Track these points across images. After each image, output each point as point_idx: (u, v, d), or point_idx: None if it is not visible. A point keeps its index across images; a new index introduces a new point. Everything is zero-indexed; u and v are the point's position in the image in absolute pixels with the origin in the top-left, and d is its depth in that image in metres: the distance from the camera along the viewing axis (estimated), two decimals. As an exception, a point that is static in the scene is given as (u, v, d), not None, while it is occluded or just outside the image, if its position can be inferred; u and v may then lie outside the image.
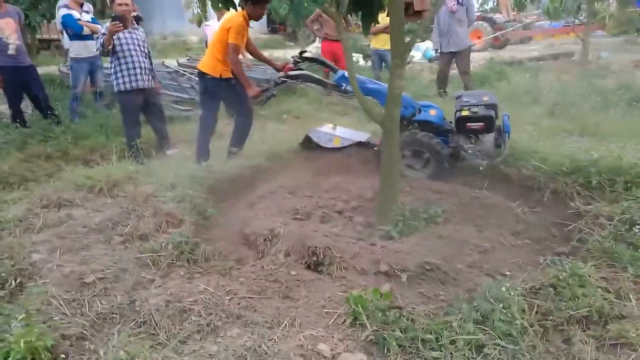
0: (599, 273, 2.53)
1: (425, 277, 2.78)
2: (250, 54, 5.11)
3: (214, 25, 6.99)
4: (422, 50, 13.26)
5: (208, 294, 2.43)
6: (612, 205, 3.18)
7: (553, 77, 7.91)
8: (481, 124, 4.03)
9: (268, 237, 3.15)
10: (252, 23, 4.66)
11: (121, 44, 5.27)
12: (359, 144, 4.63)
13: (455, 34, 7.41)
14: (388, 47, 7.96)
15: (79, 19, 6.43)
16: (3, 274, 2.59)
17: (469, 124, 4.08)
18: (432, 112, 4.33)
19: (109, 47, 5.13)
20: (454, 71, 7.98)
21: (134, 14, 10.56)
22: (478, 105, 4.09)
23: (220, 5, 3.60)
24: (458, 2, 7.25)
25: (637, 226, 2.84)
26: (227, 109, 5.65)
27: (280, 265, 2.84)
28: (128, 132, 5.50)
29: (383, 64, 8.29)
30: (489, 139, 4.13)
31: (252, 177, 4.39)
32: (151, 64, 5.60)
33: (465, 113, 4.06)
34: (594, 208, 3.23)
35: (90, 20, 6.59)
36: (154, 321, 2.21)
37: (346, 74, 4.08)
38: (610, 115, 5.75)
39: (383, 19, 7.82)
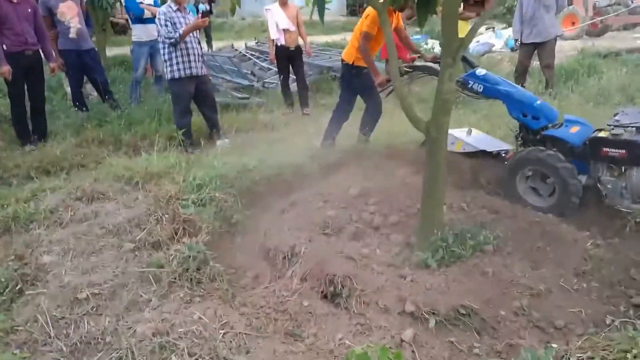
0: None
1: (458, 323, 2.35)
2: (403, 44, 4.99)
3: (274, 9, 6.70)
4: (503, 38, 12.19)
5: (201, 325, 2.16)
6: None
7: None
8: (623, 151, 3.14)
9: (287, 256, 2.85)
10: (330, 5, 4.42)
11: (176, 29, 5.12)
12: (484, 153, 4.03)
13: (540, 22, 6.56)
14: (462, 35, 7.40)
15: (141, 2, 6.39)
16: (3, 279, 2.48)
17: (605, 150, 3.22)
18: (574, 129, 3.53)
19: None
20: (536, 62, 7.15)
21: (203, 7, 10.54)
22: (627, 126, 3.21)
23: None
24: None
25: None
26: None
27: (292, 293, 2.53)
28: (178, 120, 5.40)
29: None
30: (638, 174, 3.16)
31: (295, 178, 4.08)
32: (202, 49, 5.43)
33: (602, 134, 3.28)
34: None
35: (153, 3, 6.54)
36: (132, 357, 1.97)
37: (477, 72, 3.78)
38: None
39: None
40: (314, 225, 3.19)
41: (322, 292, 2.54)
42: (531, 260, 2.77)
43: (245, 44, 10.63)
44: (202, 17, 5.31)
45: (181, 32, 5.03)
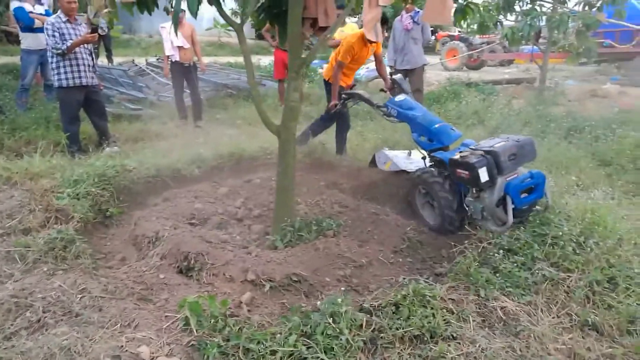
0: (452, 294, 2.59)
1: (291, 288, 2.83)
2: (378, 68, 5.63)
3: (168, 27, 7.04)
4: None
5: (60, 291, 2.45)
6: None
7: (505, 101, 8.02)
8: (467, 172, 3.21)
9: (152, 240, 3.19)
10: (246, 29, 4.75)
11: (65, 40, 5.29)
12: (405, 172, 4.20)
13: (410, 52, 7.49)
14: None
15: (31, 12, 6.45)
16: None
17: (458, 171, 3.29)
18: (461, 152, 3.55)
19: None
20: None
21: (102, 21, 10.58)
22: (477, 150, 3.30)
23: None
24: (413, 21, 7.34)
25: (501, 250, 2.91)
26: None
27: (151, 268, 2.88)
28: (67, 127, 5.52)
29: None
30: (490, 197, 3.23)
31: (172, 179, 4.43)
32: (94, 60, 5.63)
33: (456, 156, 3.33)
34: (480, 231, 3.30)
35: (44, 12, 6.62)
36: (-10, 315, 2.22)
37: (396, 98, 4.12)
38: (539, 142, 5.85)
39: (341, 32, 7.97)
40: (181, 216, 3.57)
41: (178, 267, 2.92)
42: (360, 240, 3.35)
43: (146, 60, 10.78)
44: (92, 32, 5.52)
45: (69, 43, 5.21)
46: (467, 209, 3.44)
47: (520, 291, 2.68)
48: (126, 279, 2.76)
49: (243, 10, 3.31)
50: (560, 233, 3.04)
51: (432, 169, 3.77)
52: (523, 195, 3.25)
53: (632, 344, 2.38)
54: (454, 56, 15.18)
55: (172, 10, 2.76)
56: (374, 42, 4.88)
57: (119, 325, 2.25)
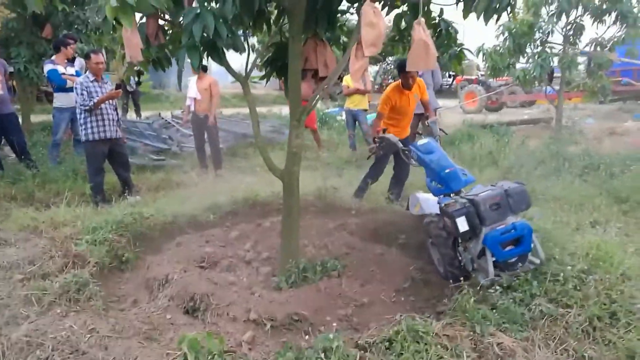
0: (447, 331, 2.62)
1: (292, 327, 2.91)
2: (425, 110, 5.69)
3: (192, 80, 7.47)
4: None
5: (70, 331, 2.60)
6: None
7: (519, 141, 8.07)
8: (449, 221, 3.14)
9: (162, 282, 3.34)
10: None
11: (92, 98, 5.69)
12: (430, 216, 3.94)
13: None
14: (360, 107, 8.44)
15: (63, 73, 6.95)
16: None
17: (444, 219, 3.25)
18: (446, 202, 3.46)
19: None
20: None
21: (136, 68, 11.32)
22: (462, 198, 3.23)
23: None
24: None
25: (500, 287, 2.93)
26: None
27: (159, 309, 3.01)
28: (92, 178, 5.83)
29: (356, 122, 8.59)
30: (475, 248, 3.18)
31: (186, 225, 4.61)
32: (118, 115, 6.00)
33: (445, 204, 3.26)
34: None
35: (75, 73, 7.11)
36: (3, 354, 2.37)
37: (419, 142, 3.96)
38: (553, 181, 5.88)
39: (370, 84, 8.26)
40: (192, 260, 3.72)
41: (184, 308, 3.05)
42: (363, 280, 3.42)
43: (171, 113, 11.31)
44: (116, 88, 5.92)
45: (95, 100, 5.60)
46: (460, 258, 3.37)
47: (518, 327, 2.69)
48: (134, 320, 2.89)
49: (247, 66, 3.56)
50: (561, 270, 3.05)
51: (437, 218, 3.60)
52: (508, 248, 3.09)
53: (631, 379, 2.35)
54: (473, 99, 15.36)
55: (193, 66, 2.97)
56: (408, 90, 5.07)
57: (121, 362, 2.37)
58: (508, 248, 3.11)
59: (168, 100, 21.89)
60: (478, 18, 2.99)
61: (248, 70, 3.54)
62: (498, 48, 9.16)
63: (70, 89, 6.93)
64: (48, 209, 5.35)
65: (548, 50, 9.00)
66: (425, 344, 2.45)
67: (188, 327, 2.85)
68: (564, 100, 9.61)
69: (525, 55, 9.24)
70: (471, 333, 2.62)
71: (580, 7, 8.68)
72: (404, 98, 5.19)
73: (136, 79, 12.49)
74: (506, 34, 8.91)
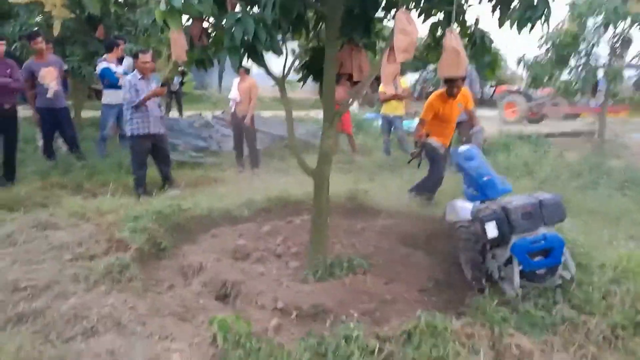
0: (466, 329, 2.70)
1: (317, 318, 3.03)
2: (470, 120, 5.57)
3: (235, 82, 7.74)
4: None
5: (112, 307, 2.82)
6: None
7: (557, 153, 7.96)
8: (479, 226, 3.13)
9: (196, 270, 3.54)
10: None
11: (138, 95, 6.01)
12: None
13: (459, 107, 7.70)
14: (397, 113, 8.52)
15: (116, 72, 7.35)
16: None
17: (475, 224, 3.24)
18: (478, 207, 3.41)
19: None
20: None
21: (180, 68, 11.79)
22: (494, 205, 3.22)
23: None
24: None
25: (520, 288, 2.98)
26: None
27: (193, 294, 3.20)
28: (135, 171, 6.15)
29: (392, 128, 8.67)
30: (503, 255, 3.18)
31: (221, 219, 4.82)
32: (161, 112, 6.30)
33: (477, 209, 3.28)
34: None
35: (122, 72, 7.50)
36: (53, 323, 2.61)
37: (460, 148, 4.01)
38: (590, 194, 5.80)
39: (401, 89, 8.34)
40: (225, 251, 3.91)
41: (216, 294, 3.23)
42: (387, 278, 3.51)
43: (212, 114, 11.68)
44: (162, 86, 6.22)
45: (142, 97, 5.91)
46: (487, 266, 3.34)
47: (537, 330, 2.74)
48: (170, 302, 3.09)
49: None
50: (587, 279, 3.07)
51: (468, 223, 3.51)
52: (537, 259, 3.07)
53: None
54: (512, 110, 15.14)
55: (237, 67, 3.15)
56: (453, 98, 5.07)
57: (157, 337, 2.56)
58: (537, 259, 3.07)
59: (210, 101, 22.54)
60: (511, 27, 3.06)
61: (285, 72, 3.71)
62: (540, 59, 9.07)
63: (119, 87, 7.32)
64: (95, 198, 5.69)
65: (592, 62, 8.85)
66: (443, 339, 2.53)
67: (219, 312, 3.01)
68: (611, 114, 9.42)
69: (569, 66, 9.12)
70: (490, 333, 2.68)
71: (628, 19, 8.50)
72: (447, 106, 5.21)
73: (180, 79, 13.01)
74: (549, 44, 8.82)
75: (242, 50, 3.04)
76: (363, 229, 4.52)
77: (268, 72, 3.59)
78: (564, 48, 8.65)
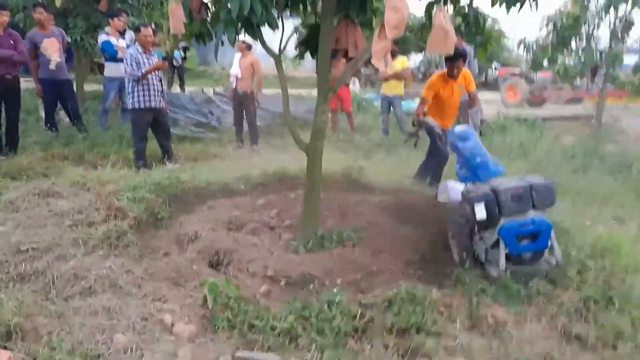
0: (446, 299, 2.84)
1: (304, 286, 3.18)
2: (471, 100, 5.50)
3: (235, 57, 7.78)
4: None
5: (109, 269, 2.96)
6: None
7: (553, 136, 8.04)
8: (468, 207, 3.18)
9: (192, 238, 3.67)
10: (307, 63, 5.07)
11: (140, 68, 6.08)
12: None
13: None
14: (396, 92, 8.57)
15: (115, 45, 7.40)
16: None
17: (464, 205, 3.28)
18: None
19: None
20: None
21: (182, 44, 11.81)
22: (484, 186, 3.26)
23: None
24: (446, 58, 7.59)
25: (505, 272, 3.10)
26: None
27: (187, 260, 3.34)
28: (136, 144, 6.26)
29: (391, 108, 8.73)
30: (491, 238, 3.19)
31: (218, 191, 4.95)
32: (162, 86, 6.38)
33: (467, 190, 3.33)
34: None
35: (126, 45, 7.55)
36: (53, 282, 2.75)
37: (456, 128, 3.97)
38: (580, 176, 5.91)
39: (392, 66, 8.40)
40: (220, 221, 4.04)
41: (209, 261, 3.37)
42: (375, 250, 3.64)
43: (213, 89, 11.72)
44: (163, 60, 6.29)
45: (143, 71, 5.98)
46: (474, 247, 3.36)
47: (513, 302, 2.87)
48: (165, 267, 3.23)
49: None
50: (565, 255, 3.20)
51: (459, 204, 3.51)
52: (524, 242, 3.09)
53: (614, 356, 2.51)
54: (514, 92, 15.14)
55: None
56: (453, 79, 5.06)
57: (151, 298, 2.71)
58: (524, 242, 3.10)
59: (212, 77, 22.54)
60: (500, 6, 3.13)
61: (281, 47, 3.79)
62: (541, 41, 9.06)
63: (121, 60, 7.37)
64: (95, 169, 5.81)
65: (593, 45, 8.85)
66: (422, 307, 2.66)
67: (211, 277, 3.14)
68: (613, 98, 9.41)
69: (570, 49, 9.11)
70: (468, 303, 2.82)
71: (630, 1, 8.47)
72: (447, 87, 5.20)
73: (182, 54, 13.02)
74: (550, 26, 8.81)
75: (239, 23, 3.12)
76: (356, 203, 4.64)
77: (265, 47, 3.67)
78: (565, 30, 8.63)
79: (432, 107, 5.28)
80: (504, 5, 3.25)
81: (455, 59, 4.93)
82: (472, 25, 3.80)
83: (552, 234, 3.13)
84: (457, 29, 3.87)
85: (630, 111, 13.68)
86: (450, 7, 3.58)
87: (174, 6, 3.10)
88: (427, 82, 5.37)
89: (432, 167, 5.51)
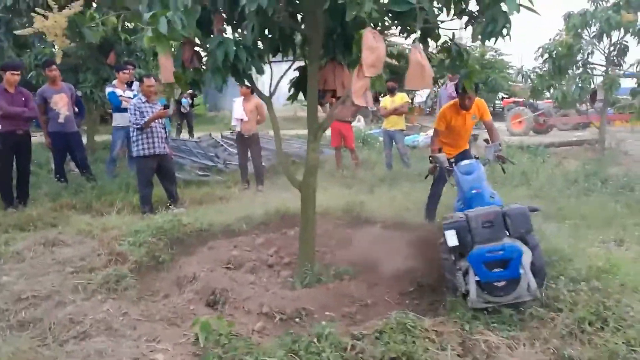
0: (438, 327, 2.84)
1: (299, 320, 3.20)
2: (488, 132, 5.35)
3: (237, 102, 8.01)
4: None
5: (106, 313, 3.03)
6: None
7: (556, 162, 8.05)
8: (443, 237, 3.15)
9: (190, 279, 3.74)
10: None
11: (143, 117, 6.31)
12: None
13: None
14: (397, 127, 8.71)
15: (121, 95, 7.70)
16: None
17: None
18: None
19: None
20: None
21: (185, 101, 12.19)
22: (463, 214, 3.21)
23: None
24: (457, 90, 7.75)
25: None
26: None
27: (185, 301, 3.40)
28: (141, 190, 6.42)
29: (393, 142, 8.86)
30: (465, 264, 3.11)
31: (220, 232, 5.03)
32: (166, 133, 6.58)
33: (443, 217, 3.33)
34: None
35: (132, 96, 7.84)
36: (50, 328, 2.83)
37: (462, 162, 4.03)
38: (583, 201, 5.89)
39: (392, 102, 8.57)
40: (219, 261, 4.11)
41: (207, 301, 3.42)
42: (372, 282, 3.66)
43: (221, 133, 12.00)
44: (164, 108, 6.49)
45: (146, 119, 6.20)
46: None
47: (506, 327, 2.86)
48: (162, 308, 3.29)
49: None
50: (559, 276, 3.19)
51: None
52: (496, 270, 2.99)
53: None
54: (519, 121, 15.24)
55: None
56: (465, 110, 5.03)
57: (145, 339, 2.76)
58: (497, 270, 2.99)
59: (222, 122, 23.07)
60: (474, 40, 3.25)
61: (272, 90, 3.94)
62: (538, 70, 9.21)
63: (126, 110, 7.64)
64: (102, 216, 5.97)
65: (589, 71, 8.96)
66: (413, 336, 2.67)
67: (207, 316, 3.19)
68: (619, 122, 9.45)
69: (567, 76, 9.23)
70: (460, 330, 2.82)
71: (622, 29, 8.62)
72: (459, 118, 5.18)
73: (189, 101, 13.43)
74: (545, 55, 8.97)
75: (226, 70, 3.27)
76: (355, 237, 4.68)
77: (256, 91, 3.82)
78: (560, 59, 8.78)
79: (445, 137, 5.29)
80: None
81: (464, 92, 4.92)
82: (455, 59, 3.92)
83: (524, 261, 3.00)
84: (441, 63, 4.03)
85: (636, 133, 13.67)
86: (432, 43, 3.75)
87: (164, 59, 3.27)
88: (438, 113, 5.44)
89: (428, 205, 5.48)
